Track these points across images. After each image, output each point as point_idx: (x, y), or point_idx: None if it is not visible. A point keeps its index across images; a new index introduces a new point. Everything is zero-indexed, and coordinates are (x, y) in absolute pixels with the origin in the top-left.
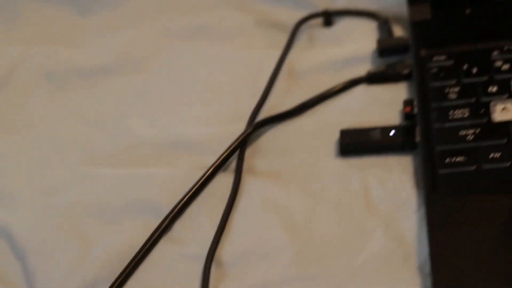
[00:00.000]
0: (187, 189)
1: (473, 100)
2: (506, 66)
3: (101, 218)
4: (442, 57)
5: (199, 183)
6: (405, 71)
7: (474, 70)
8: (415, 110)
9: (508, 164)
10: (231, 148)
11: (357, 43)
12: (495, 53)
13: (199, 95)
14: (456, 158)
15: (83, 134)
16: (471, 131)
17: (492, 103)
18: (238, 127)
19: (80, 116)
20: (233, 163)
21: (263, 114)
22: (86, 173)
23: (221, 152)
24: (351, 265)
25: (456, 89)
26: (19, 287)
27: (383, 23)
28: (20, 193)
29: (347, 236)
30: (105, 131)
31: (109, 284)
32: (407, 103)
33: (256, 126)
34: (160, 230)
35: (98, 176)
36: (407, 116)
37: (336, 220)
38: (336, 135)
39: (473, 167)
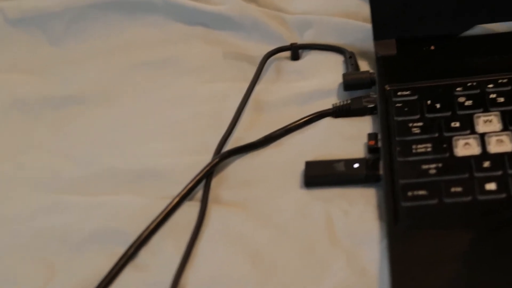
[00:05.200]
0: (153, 218)
1: (436, 135)
2: (469, 102)
3: (67, 245)
4: (406, 92)
5: (165, 212)
6: (370, 105)
7: (438, 106)
8: (379, 143)
9: (469, 198)
10: (197, 178)
11: (323, 77)
12: (459, 89)
13: (166, 127)
14: (418, 191)
15: (51, 162)
16: (433, 166)
17: (454, 138)
18: (205, 158)
19: (49, 144)
20: (199, 192)
21: (229, 145)
22: (53, 200)
23: (187, 182)
24: None
25: (420, 123)
26: None
27: (349, 57)
28: None
29: (309, 268)
30: (73, 159)
31: None
32: (371, 136)
33: (222, 157)
34: (125, 258)
35: (65, 203)
36: (371, 149)
37: (299, 252)
38: (301, 167)
39: (435, 201)
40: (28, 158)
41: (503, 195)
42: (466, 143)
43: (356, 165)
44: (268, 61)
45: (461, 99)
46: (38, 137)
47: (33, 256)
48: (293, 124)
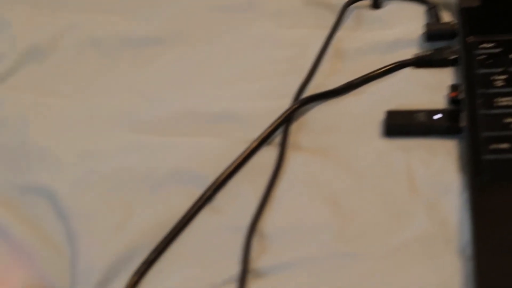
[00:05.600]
0: (231, 161)
1: None
2: None
3: (144, 185)
4: (490, 45)
5: (243, 155)
6: (452, 57)
7: None
8: (461, 95)
9: None
10: (276, 123)
11: (404, 26)
12: None
13: (245, 70)
14: (500, 144)
15: (129, 102)
16: None
17: None
18: (283, 103)
19: (127, 84)
20: (277, 138)
21: (308, 92)
22: (132, 140)
23: (265, 126)
24: (391, 245)
25: (503, 77)
26: (62, 247)
27: (431, 8)
28: (65, 156)
29: (388, 217)
30: (151, 100)
31: (149, 251)
32: (453, 88)
33: (302, 103)
34: (202, 200)
35: (144, 143)
36: (453, 101)
37: (378, 199)
38: (380, 116)
39: None
40: (106, 97)
41: None
42: None
43: (437, 116)
44: (349, 9)
45: None
46: (116, 77)
47: (111, 194)
48: (374, 73)
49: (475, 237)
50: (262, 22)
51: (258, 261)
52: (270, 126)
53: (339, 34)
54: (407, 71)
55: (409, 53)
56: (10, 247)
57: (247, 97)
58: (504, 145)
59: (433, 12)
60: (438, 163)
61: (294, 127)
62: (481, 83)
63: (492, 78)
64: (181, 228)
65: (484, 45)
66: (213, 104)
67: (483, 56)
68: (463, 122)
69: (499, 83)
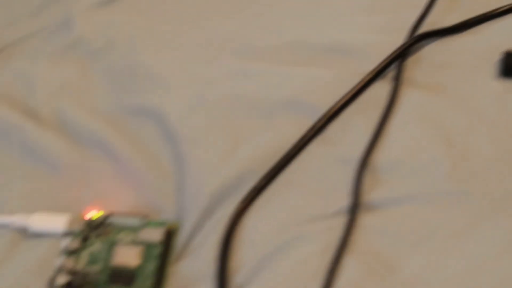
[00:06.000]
0: (344, 93)
1: None
2: None
3: (254, 112)
4: None
5: (357, 88)
6: None
7: None
8: None
9: None
10: (391, 57)
11: None
12: None
13: (361, 4)
14: None
15: (244, 29)
16: None
17: None
18: (398, 38)
19: (243, 12)
20: (391, 72)
21: (423, 29)
22: (244, 67)
23: (379, 60)
24: (505, 187)
25: None
26: (169, 171)
27: None
28: (176, 81)
29: (503, 157)
30: (265, 28)
31: (258, 178)
32: None
33: (418, 38)
34: (314, 130)
35: (256, 71)
36: None
37: (494, 141)
38: (498, 56)
39: None
40: (219, 24)
41: None
42: None
43: None
44: None
45: None
46: (230, 5)
47: (221, 120)
48: (492, 12)
49: None
50: None
51: (369, 194)
52: (384, 60)
53: None
54: None
55: None
56: (117, 167)
57: (362, 30)
58: None
59: None
60: None
61: (409, 62)
62: None
63: None
64: (291, 157)
65: None
66: (328, 36)
67: None
68: None
69: None
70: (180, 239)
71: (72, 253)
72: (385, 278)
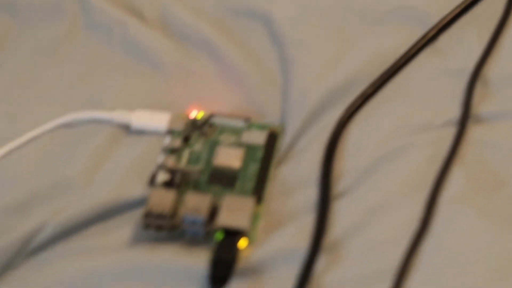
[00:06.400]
0: (458, 3)
1: None
2: None
3: (365, 19)
4: None
5: None
6: None
7: None
8: None
9: None
10: None
11: None
12: None
13: None
14: None
15: None
16: None
17: None
18: None
19: None
20: None
21: None
22: None
23: None
24: None
25: None
26: (274, 74)
27: None
28: None
29: None
30: None
31: (365, 85)
32: None
33: None
34: (425, 40)
35: None
36: None
37: None
38: None
39: None
40: None
41: None
42: None
43: None
44: None
45: None
46: None
47: (330, 26)
48: None
49: None
50: None
51: (480, 106)
52: None
53: None
54: None
55: None
56: (222, 68)
57: None
58: None
59: None
60: None
61: None
62: None
63: None
64: (401, 66)
65: None
66: None
67: None
68: None
69: None
70: (283, 143)
71: (173, 151)
72: (493, 192)
